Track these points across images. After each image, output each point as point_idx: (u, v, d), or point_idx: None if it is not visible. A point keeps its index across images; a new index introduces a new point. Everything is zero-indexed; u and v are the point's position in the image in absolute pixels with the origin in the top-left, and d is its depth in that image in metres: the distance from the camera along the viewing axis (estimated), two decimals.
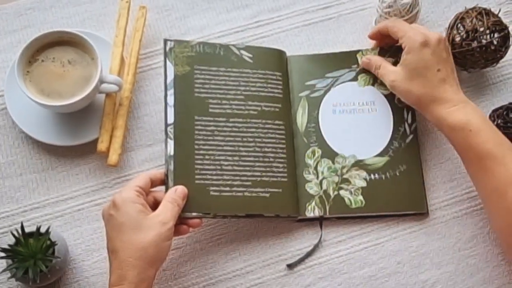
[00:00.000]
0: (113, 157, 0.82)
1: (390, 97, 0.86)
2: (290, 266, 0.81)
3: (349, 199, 0.83)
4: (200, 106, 0.82)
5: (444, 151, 0.87)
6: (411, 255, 0.82)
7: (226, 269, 0.81)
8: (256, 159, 0.81)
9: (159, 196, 0.77)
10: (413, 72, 0.79)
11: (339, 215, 0.82)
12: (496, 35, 0.85)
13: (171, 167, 0.78)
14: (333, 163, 0.84)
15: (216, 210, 0.78)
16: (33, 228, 0.75)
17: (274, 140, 0.82)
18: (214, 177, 0.79)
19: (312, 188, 0.83)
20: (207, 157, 0.80)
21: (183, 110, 0.81)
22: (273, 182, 0.81)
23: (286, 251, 0.82)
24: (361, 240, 0.83)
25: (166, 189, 0.77)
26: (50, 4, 0.90)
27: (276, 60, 0.87)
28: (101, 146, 0.82)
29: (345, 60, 0.88)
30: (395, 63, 0.83)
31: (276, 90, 0.85)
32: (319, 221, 0.83)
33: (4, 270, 0.74)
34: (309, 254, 0.82)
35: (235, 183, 0.80)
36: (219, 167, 0.80)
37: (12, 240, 0.74)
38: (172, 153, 0.79)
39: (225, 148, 0.81)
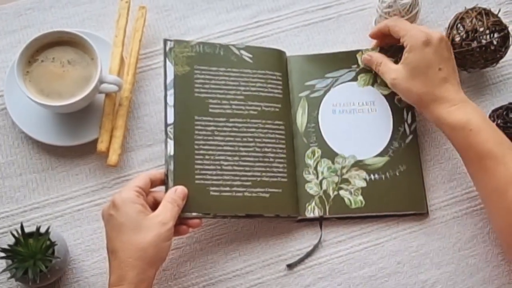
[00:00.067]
0: (113, 157, 0.82)
1: (390, 97, 0.87)
2: (290, 266, 0.81)
3: (349, 199, 0.83)
4: (200, 106, 0.82)
5: (444, 151, 0.87)
6: (411, 255, 0.82)
7: (226, 269, 0.81)
8: (256, 159, 0.81)
9: (159, 196, 0.77)
10: (414, 70, 0.79)
11: (339, 215, 0.82)
12: (496, 35, 0.85)
13: (171, 167, 0.78)
14: (333, 163, 0.84)
15: (216, 210, 0.78)
16: (33, 228, 0.75)
17: (274, 140, 0.82)
18: (214, 177, 0.79)
19: (312, 188, 0.83)
20: (207, 157, 0.80)
21: (183, 110, 0.81)
22: (273, 182, 0.81)
23: (286, 251, 0.82)
24: (361, 240, 0.83)
25: (166, 189, 0.77)
26: (50, 4, 0.90)
27: (276, 60, 0.87)
28: (101, 146, 0.82)
29: (345, 60, 0.88)
30: (395, 63, 0.83)
31: (276, 90, 0.85)
32: (319, 221, 0.83)
33: (4, 270, 0.74)
34: (309, 254, 0.82)
35: (235, 183, 0.80)
36: (219, 167, 0.80)
37: (12, 240, 0.74)
38: (172, 153, 0.79)
39: (225, 148, 0.81)
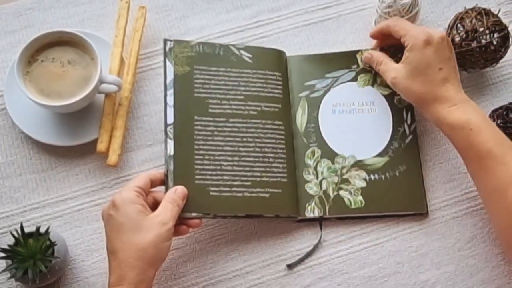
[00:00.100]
0: (112, 158, 0.82)
1: (390, 98, 0.87)
2: (290, 266, 0.81)
3: (348, 199, 0.82)
4: (200, 106, 0.82)
5: (443, 151, 0.87)
6: (411, 255, 0.82)
7: (226, 269, 0.81)
8: (256, 159, 0.81)
9: (159, 196, 0.77)
10: (414, 70, 0.79)
11: (339, 215, 0.82)
12: (495, 35, 0.85)
13: (171, 167, 0.78)
14: (333, 163, 0.84)
15: (216, 211, 0.78)
16: (33, 229, 0.75)
17: (273, 141, 0.82)
18: (214, 177, 0.79)
19: (311, 188, 0.83)
20: (207, 157, 0.80)
21: (182, 110, 0.81)
22: (273, 183, 0.81)
23: (286, 252, 0.82)
24: (361, 240, 0.83)
25: (166, 189, 0.77)
26: (50, 4, 0.90)
27: (275, 60, 0.87)
28: (101, 146, 0.82)
29: (344, 60, 0.88)
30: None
31: (275, 90, 0.85)
32: (319, 222, 0.83)
33: (3, 271, 0.74)
34: (309, 254, 0.82)
35: (235, 183, 0.79)
36: (219, 167, 0.80)
37: (11, 240, 0.74)
38: (172, 153, 0.79)
39: (225, 148, 0.81)
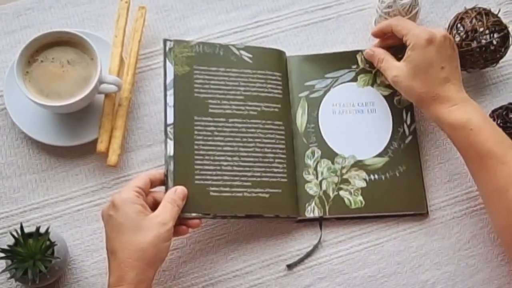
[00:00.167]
0: (112, 158, 0.82)
1: (390, 98, 0.87)
2: (290, 267, 0.81)
3: (348, 199, 0.82)
4: (199, 106, 0.82)
5: (443, 151, 0.87)
6: (411, 255, 0.82)
7: (225, 269, 0.81)
8: (256, 159, 0.81)
9: (159, 196, 0.76)
10: (416, 68, 0.79)
11: (339, 215, 0.82)
12: (495, 35, 0.84)
13: (171, 167, 0.78)
14: (333, 163, 0.84)
15: (215, 211, 0.78)
16: (33, 229, 0.74)
17: (273, 141, 0.82)
18: (214, 178, 0.79)
19: (311, 188, 0.83)
20: (206, 157, 0.80)
21: (182, 110, 0.81)
22: (272, 183, 0.81)
23: (286, 252, 0.82)
24: (361, 241, 0.83)
25: (166, 190, 0.77)
26: (49, 4, 0.90)
27: (275, 60, 0.87)
28: (101, 146, 0.82)
29: (344, 60, 0.88)
30: None
31: (275, 91, 0.85)
32: (319, 222, 0.83)
33: (3, 271, 0.74)
34: (308, 255, 0.82)
35: (235, 183, 0.79)
36: (218, 168, 0.80)
37: (11, 241, 0.74)
38: (171, 153, 0.79)
39: (224, 148, 0.81)
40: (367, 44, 0.89)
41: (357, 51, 0.88)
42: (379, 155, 0.84)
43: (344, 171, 0.84)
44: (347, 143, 0.85)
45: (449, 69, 0.79)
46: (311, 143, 0.84)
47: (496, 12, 0.86)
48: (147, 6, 0.89)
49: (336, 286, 0.81)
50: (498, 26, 0.84)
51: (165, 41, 0.84)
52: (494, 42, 0.84)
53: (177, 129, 0.80)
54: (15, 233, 0.73)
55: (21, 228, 0.74)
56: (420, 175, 0.84)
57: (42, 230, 0.74)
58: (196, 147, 0.80)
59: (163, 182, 0.78)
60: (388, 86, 0.86)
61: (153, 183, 0.77)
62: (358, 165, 0.84)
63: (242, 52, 0.86)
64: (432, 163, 0.86)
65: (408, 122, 0.86)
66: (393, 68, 0.82)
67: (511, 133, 0.80)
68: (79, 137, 0.83)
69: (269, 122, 0.83)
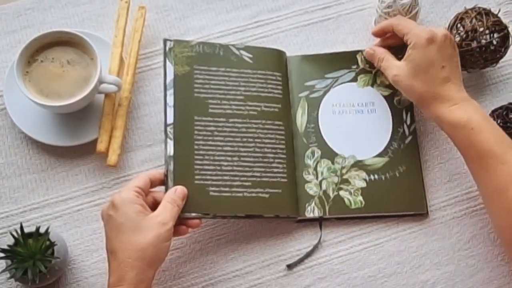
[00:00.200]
0: (112, 158, 0.82)
1: (390, 98, 0.87)
2: (290, 267, 0.81)
3: (348, 199, 0.82)
4: (199, 106, 0.82)
5: (443, 151, 0.87)
6: (411, 255, 0.82)
7: (225, 269, 0.81)
8: (256, 159, 0.81)
9: (159, 196, 0.76)
10: (416, 68, 0.79)
11: (339, 215, 0.82)
12: (495, 35, 0.84)
13: (171, 167, 0.78)
14: (333, 163, 0.84)
15: (215, 211, 0.78)
16: (33, 229, 0.74)
17: (273, 141, 0.82)
18: (214, 178, 0.79)
19: (311, 188, 0.83)
20: (206, 157, 0.80)
21: (182, 110, 0.81)
22: (272, 183, 0.81)
23: (286, 252, 0.82)
24: (361, 241, 0.83)
25: (166, 190, 0.77)
26: (49, 4, 0.90)
27: (275, 60, 0.87)
28: (101, 146, 0.82)
29: (344, 60, 0.88)
30: None
31: (275, 91, 0.85)
32: (319, 222, 0.83)
33: (3, 271, 0.74)
34: (308, 255, 0.82)
35: (235, 183, 0.79)
36: (218, 168, 0.80)
37: (11, 241, 0.74)
38: (171, 153, 0.79)
39: (224, 148, 0.81)
40: (367, 44, 0.89)
41: (357, 51, 0.88)
42: (379, 155, 0.84)
43: (344, 171, 0.83)
44: (347, 143, 0.85)
45: (450, 68, 0.79)
46: (311, 143, 0.84)
47: (496, 12, 0.86)
48: (147, 6, 0.89)
49: (336, 286, 0.81)
50: (498, 26, 0.84)
51: (165, 41, 0.84)
52: (494, 42, 0.84)
53: (177, 129, 0.80)
54: (15, 233, 0.73)
55: (21, 228, 0.74)
56: (420, 175, 0.84)
57: (42, 230, 0.74)
58: (196, 147, 0.80)
59: (163, 182, 0.78)
60: (388, 86, 0.86)
61: (153, 183, 0.77)
62: (358, 165, 0.84)
63: (242, 52, 0.86)
64: (432, 163, 0.86)
65: (408, 122, 0.86)
66: (393, 67, 0.81)
67: (511, 133, 0.80)
68: (79, 137, 0.83)
69: (269, 122, 0.83)
